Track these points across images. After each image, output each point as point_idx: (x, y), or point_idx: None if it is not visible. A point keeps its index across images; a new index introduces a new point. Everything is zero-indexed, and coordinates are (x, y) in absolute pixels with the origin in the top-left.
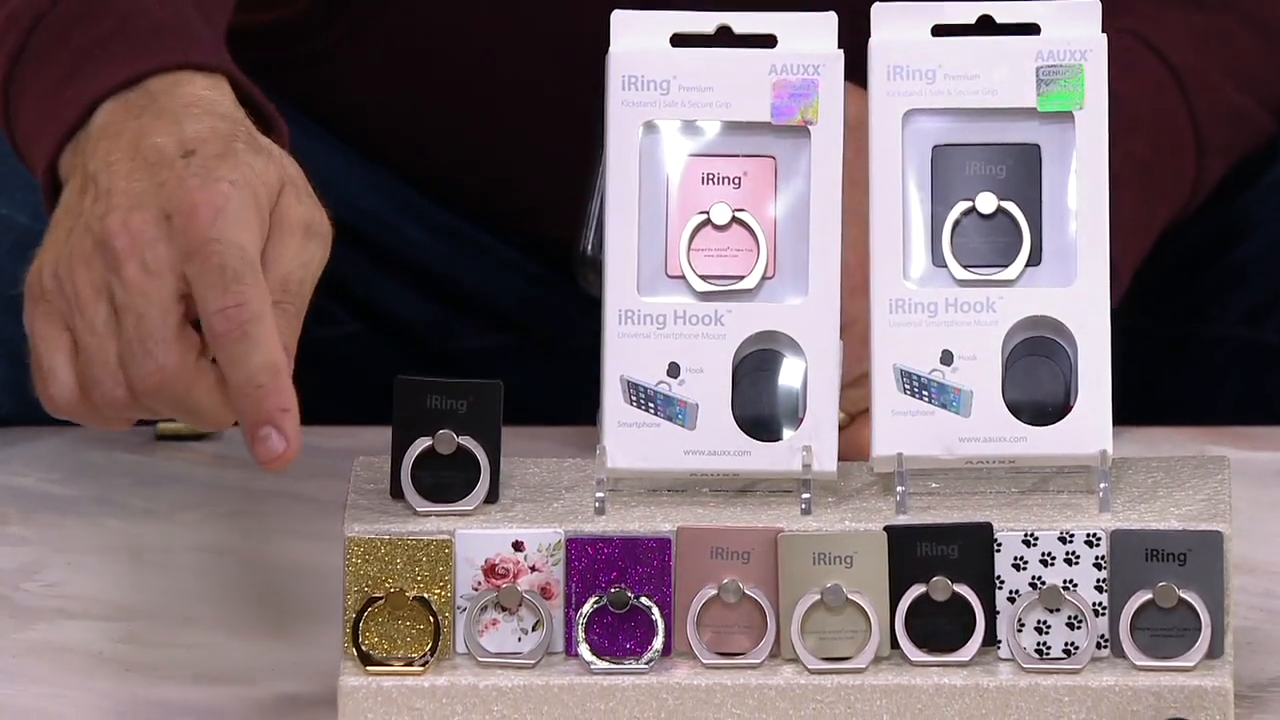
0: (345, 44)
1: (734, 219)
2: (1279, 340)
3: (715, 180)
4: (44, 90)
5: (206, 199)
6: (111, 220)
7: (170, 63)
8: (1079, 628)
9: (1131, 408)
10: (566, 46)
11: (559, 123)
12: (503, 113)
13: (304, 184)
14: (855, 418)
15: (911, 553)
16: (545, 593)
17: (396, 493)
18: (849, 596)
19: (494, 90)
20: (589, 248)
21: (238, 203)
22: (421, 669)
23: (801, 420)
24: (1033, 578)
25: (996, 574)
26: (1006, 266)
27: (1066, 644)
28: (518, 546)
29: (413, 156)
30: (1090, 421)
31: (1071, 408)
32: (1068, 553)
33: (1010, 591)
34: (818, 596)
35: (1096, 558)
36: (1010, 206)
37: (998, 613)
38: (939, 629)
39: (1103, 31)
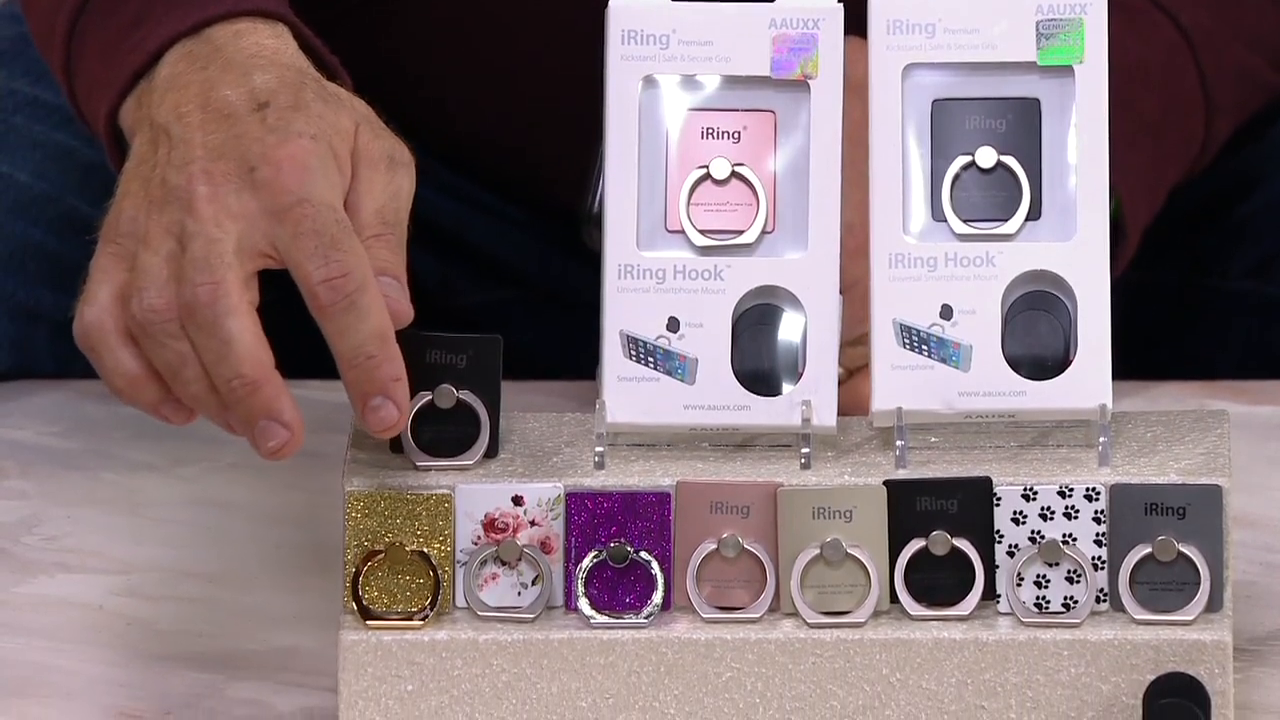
0: (357, 8)
1: (733, 173)
2: None
3: (715, 135)
4: (107, 40)
5: (289, 155)
6: (193, 169)
7: (234, 9)
8: (1078, 582)
9: (1136, 362)
10: (583, 14)
11: (576, 91)
12: (519, 80)
13: (376, 120)
14: (854, 373)
15: (911, 507)
16: (545, 547)
17: (396, 447)
18: (848, 551)
19: (510, 58)
20: (595, 205)
21: (319, 158)
22: (421, 623)
23: (801, 375)
24: (1032, 532)
25: (996, 528)
26: (1006, 221)
27: (1065, 598)
28: (517, 501)
29: (426, 120)
30: (1090, 376)
31: (1071, 362)
32: (1067, 507)
33: (1010, 546)
34: (817, 551)
35: (1096, 512)
36: (1010, 161)
37: (997, 567)
38: (938, 583)
39: None
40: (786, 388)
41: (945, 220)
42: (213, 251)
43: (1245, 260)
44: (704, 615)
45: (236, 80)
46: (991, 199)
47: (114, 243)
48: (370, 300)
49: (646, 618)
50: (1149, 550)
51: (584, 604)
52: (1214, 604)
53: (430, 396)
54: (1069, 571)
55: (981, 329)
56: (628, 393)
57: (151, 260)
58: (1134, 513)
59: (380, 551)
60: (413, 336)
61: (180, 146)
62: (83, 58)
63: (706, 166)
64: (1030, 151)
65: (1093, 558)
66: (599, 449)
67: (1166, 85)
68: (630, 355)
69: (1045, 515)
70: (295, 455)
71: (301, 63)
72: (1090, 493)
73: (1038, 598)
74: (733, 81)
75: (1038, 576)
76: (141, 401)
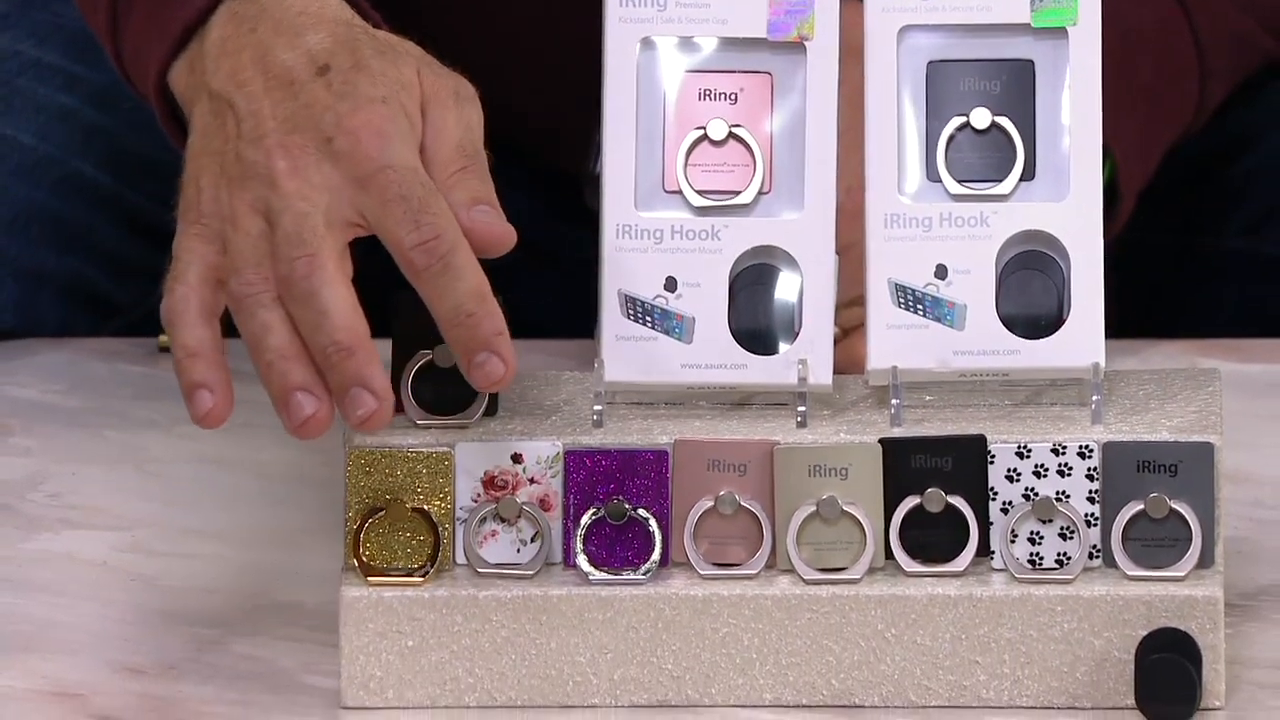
0: None
1: (730, 135)
2: (1277, 252)
3: (712, 96)
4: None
5: (364, 122)
6: (268, 143)
7: None
8: (1071, 538)
9: (1130, 321)
10: None
11: (577, 54)
12: (520, 42)
13: (432, 59)
14: (850, 333)
15: (906, 465)
16: (544, 504)
17: (397, 406)
18: (844, 508)
19: (513, 20)
20: (596, 167)
21: (393, 121)
22: (422, 579)
23: (797, 334)
24: (1026, 489)
25: (990, 485)
26: (1000, 181)
27: (1059, 554)
28: (516, 459)
29: None
30: (1083, 335)
31: (1064, 321)
32: (1060, 464)
33: (1003, 503)
34: (813, 508)
35: (1089, 469)
36: (1004, 122)
37: (991, 524)
38: (933, 540)
39: None
40: (783, 347)
41: (940, 181)
42: (305, 226)
43: (1238, 220)
44: (701, 572)
45: (289, 42)
46: (986, 160)
47: (198, 223)
48: (464, 259)
49: (644, 574)
50: (1141, 507)
51: (583, 561)
52: (1205, 560)
53: (430, 356)
54: (1062, 528)
55: (976, 288)
56: (626, 352)
57: (243, 241)
58: (1126, 470)
59: (381, 509)
60: (413, 297)
61: (249, 120)
62: (129, 18)
63: (704, 127)
64: (1024, 113)
65: (1086, 514)
66: (597, 407)
67: (1161, 49)
68: (628, 314)
69: (1039, 473)
70: None
71: (348, 14)
72: (1083, 450)
73: (1031, 554)
74: (730, 43)
75: (1031, 533)
76: (190, 375)
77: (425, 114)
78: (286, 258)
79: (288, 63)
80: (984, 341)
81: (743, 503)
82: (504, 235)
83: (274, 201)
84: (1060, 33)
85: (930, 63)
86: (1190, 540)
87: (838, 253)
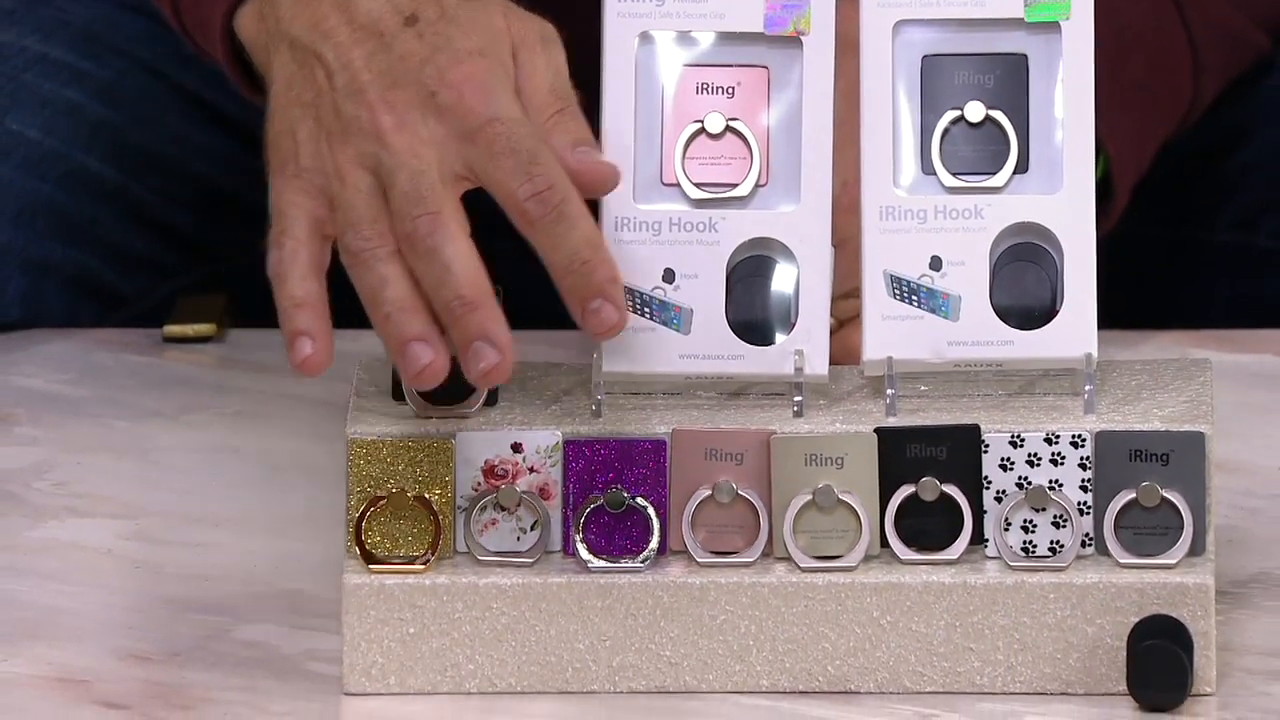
0: None
1: (728, 128)
2: (1271, 245)
3: (709, 90)
4: None
5: (466, 76)
6: (369, 97)
7: None
8: (1064, 527)
9: (1123, 313)
10: None
11: (577, 48)
12: None
13: (510, 3)
14: (845, 324)
15: (901, 454)
16: (543, 493)
17: (398, 395)
18: (840, 497)
19: None
20: None
21: (494, 74)
22: (423, 567)
23: (794, 325)
24: (1019, 478)
25: (984, 474)
26: (994, 174)
27: (1052, 542)
28: (516, 448)
29: None
30: (1076, 325)
31: (1057, 312)
32: (1053, 453)
33: (997, 491)
34: (809, 497)
35: (1081, 458)
36: (998, 115)
37: (985, 512)
38: (927, 528)
39: None
40: (780, 337)
41: (935, 174)
42: (422, 183)
43: (1231, 214)
44: (699, 560)
45: None
46: (980, 153)
47: (299, 177)
48: (576, 208)
49: (643, 562)
50: (1133, 496)
51: (582, 549)
52: (1196, 548)
53: None
54: (1055, 516)
55: (970, 280)
56: (624, 342)
57: (354, 197)
58: (1118, 459)
59: (383, 497)
60: None
61: (342, 72)
62: None
63: (701, 121)
64: (1018, 106)
65: (1078, 503)
66: (596, 397)
67: (1154, 45)
68: (627, 306)
69: (1032, 462)
70: (299, 403)
71: None
72: (1076, 439)
73: (1024, 542)
74: (727, 38)
75: (1024, 521)
76: (294, 323)
77: (515, 59)
78: (408, 216)
79: (373, 12)
80: (978, 332)
81: (740, 491)
82: (609, 173)
83: (384, 158)
84: (1053, 27)
85: (925, 57)
86: (1182, 528)
87: (834, 245)
